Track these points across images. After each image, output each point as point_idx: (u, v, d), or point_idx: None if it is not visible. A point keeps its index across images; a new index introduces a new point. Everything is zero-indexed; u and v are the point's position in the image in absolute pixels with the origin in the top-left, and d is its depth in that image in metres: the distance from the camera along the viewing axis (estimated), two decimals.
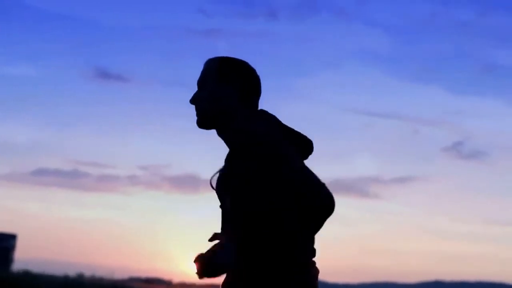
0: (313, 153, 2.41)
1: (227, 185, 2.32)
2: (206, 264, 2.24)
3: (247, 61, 2.47)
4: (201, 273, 2.26)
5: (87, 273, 23.81)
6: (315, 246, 2.33)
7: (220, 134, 2.41)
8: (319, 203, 2.15)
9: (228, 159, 2.38)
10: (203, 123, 2.42)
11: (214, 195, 2.43)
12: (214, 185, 2.41)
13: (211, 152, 2.47)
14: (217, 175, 2.41)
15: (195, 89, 2.46)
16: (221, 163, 2.44)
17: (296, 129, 2.40)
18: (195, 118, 2.43)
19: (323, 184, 2.19)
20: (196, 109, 2.42)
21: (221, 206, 2.39)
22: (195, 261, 2.27)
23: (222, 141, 2.44)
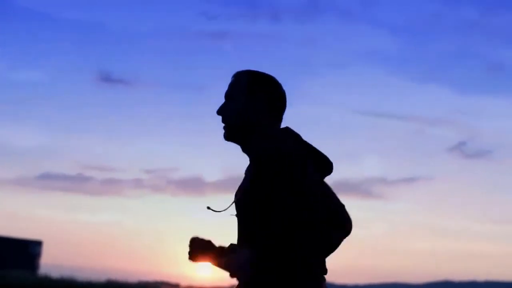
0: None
1: (248, 198, 2.33)
2: (201, 249, 2.33)
3: (253, 62, 2.42)
4: (193, 257, 2.35)
5: (94, 276, 23.78)
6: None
7: (244, 148, 2.44)
8: (338, 225, 2.21)
9: (249, 172, 2.39)
10: (230, 136, 2.44)
11: (219, 197, 2.36)
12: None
13: (215, 155, 2.41)
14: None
15: (200, 91, 2.37)
16: (225, 166, 2.43)
17: (304, 132, 2.42)
18: (222, 130, 2.45)
19: (343, 206, 2.25)
20: (224, 121, 2.45)
21: (237, 215, 2.41)
22: (190, 244, 2.36)
23: (227, 144, 2.46)
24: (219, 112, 2.46)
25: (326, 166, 2.38)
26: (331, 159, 2.39)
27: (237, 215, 2.40)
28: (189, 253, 2.37)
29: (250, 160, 2.44)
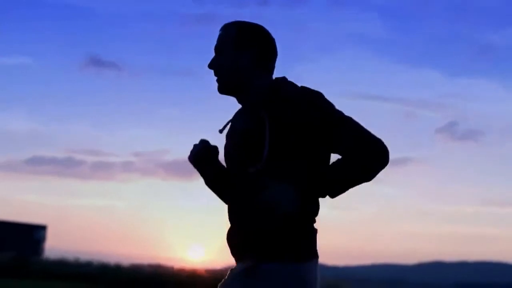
0: None
1: (284, 136, 2.30)
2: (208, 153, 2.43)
3: None
4: (195, 159, 2.46)
5: (84, 260, 23.72)
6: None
7: (241, 99, 2.44)
8: (377, 156, 2.26)
9: (254, 112, 2.37)
10: (223, 88, 2.43)
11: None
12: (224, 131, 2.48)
13: (205, 137, 2.49)
14: (230, 125, 2.48)
15: (189, 76, 2.54)
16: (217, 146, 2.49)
17: None
18: (215, 84, 2.44)
19: (375, 137, 2.29)
20: (216, 74, 2.44)
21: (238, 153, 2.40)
22: (200, 146, 2.46)
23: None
24: (210, 65, 2.45)
25: None
26: None
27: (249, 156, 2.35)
28: (195, 152, 2.46)
29: (250, 107, 2.41)
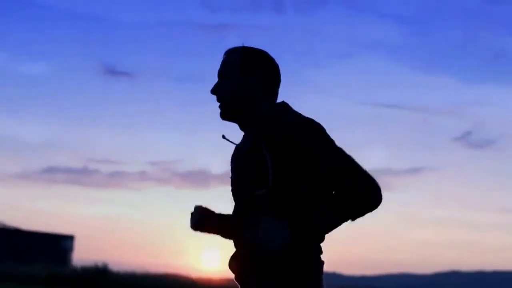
0: None
1: (274, 168, 2.28)
2: (208, 217, 2.34)
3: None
4: (198, 226, 2.35)
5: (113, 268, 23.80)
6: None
7: (243, 126, 2.41)
8: (369, 198, 2.24)
9: (251, 142, 2.36)
10: (226, 114, 2.40)
11: (224, 189, 2.45)
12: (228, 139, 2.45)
13: (221, 147, 2.52)
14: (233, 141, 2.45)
15: (204, 84, 2.46)
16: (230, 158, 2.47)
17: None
18: (218, 110, 2.42)
19: (372, 177, 2.26)
20: (219, 100, 2.41)
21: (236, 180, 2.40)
22: (195, 213, 2.35)
23: (235, 134, 2.43)
24: (213, 91, 2.41)
25: None
26: None
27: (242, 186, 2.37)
28: (195, 222, 2.35)
29: (250, 134, 2.39)
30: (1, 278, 20.79)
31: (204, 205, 2.36)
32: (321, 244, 2.32)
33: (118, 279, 21.91)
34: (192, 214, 2.38)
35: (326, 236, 2.31)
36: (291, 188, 2.25)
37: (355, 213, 2.25)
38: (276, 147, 2.26)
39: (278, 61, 2.45)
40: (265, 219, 2.22)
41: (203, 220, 2.35)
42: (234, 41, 2.47)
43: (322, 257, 2.31)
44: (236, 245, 2.37)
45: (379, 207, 2.27)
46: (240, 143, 2.43)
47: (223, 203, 2.48)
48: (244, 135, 2.44)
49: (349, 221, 2.26)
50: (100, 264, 22.36)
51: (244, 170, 2.35)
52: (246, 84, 2.37)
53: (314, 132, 2.26)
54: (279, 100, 2.42)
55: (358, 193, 2.23)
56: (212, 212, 2.37)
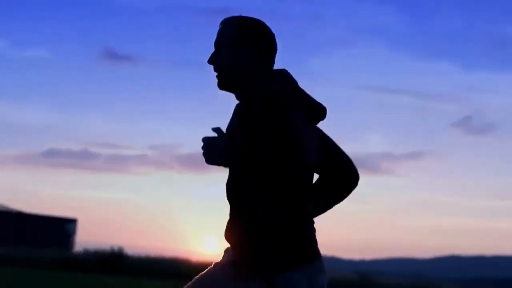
0: (326, 130, 2.47)
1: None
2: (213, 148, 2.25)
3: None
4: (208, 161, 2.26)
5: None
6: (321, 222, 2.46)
7: (239, 96, 2.42)
8: (348, 179, 2.45)
9: (236, 116, 2.36)
10: (223, 84, 2.42)
11: (225, 172, 2.42)
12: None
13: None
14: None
15: (204, 69, 2.46)
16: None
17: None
18: (215, 79, 2.43)
19: (350, 160, 2.45)
20: (215, 70, 2.43)
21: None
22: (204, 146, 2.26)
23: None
24: (209, 61, 2.43)
25: (318, 111, 2.39)
26: (337, 134, 2.42)
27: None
28: (205, 157, 2.28)
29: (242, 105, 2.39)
30: (5, 262, 20.80)
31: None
32: (317, 230, 2.36)
33: (132, 263, 21.80)
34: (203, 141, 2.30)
35: (326, 220, 2.43)
36: (276, 163, 2.21)
37: (346, 192, 2.50)
38: (267, 119, 2.23)
39: (279, 47, 2.45)
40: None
41: (209, 154, 2.26)
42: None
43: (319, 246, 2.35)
44: (231, 214, 2.38)
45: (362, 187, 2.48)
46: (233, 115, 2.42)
47: (224, 187, 2.44)
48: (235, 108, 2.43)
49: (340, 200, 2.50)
50: (116, 248, 22.16)
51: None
52: (242, 53, 2.38)
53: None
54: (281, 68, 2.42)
55: (349, 174, 2.46)
56: (220, 138, 2.27)
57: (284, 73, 2.40)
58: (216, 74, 2.43)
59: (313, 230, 2.36)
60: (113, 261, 21.33)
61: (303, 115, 2.30)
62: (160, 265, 21.90)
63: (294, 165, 2.22)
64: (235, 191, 2.34)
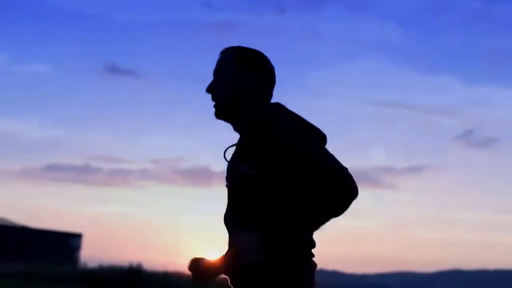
0: (327, 143, 2.39)
1: (244, 176, 2.29)
2: (201, 270, 2.31)
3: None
4: (197, 278, 2.32)
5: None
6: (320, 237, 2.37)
7: (236, 126, 2.42)
8: (345, 190, 2.20)
9: (241, 147, 2.37)
10: (221, 113, 2.41)
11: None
12: (227, 158, 2.43)
13: (223, 144, 2.51)
14: (230, 149, 2.44)
15: (205, 83, 2.47)
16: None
17: (310, 121, 2.37)
18: (212, 109, 2.43)
19: (346, 169, 2.22)
20: (213, 99, 2.42)
21: (231, 192, 2.39)
22: (190, 267, 2.33)
23: (234, 134, 2.45)
24: (208, 89, 2.43)
25: (323, 137, 2.35)
26: (339, 149, 2.36)
27: (232, 193, 2.37)
28: (193, 276, 2.34)
29: (240, 136, 2.40)
30: (8, 276, 20.77)
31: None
32: (320, 243, 2.33)
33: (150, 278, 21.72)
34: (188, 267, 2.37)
35: (328, 234, 2.33)
36: (270, 198, 2.23)
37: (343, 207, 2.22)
38: (258, 149, 2.25)
39: (279, 61, 2.44)
40: (239, 235, 2.25)
41: (196, 276, 2.33)
42: (236, 42, 2.47)
43: (316, 260, 2.32)
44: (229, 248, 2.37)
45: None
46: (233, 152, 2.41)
47: (225, 201, 2.43)
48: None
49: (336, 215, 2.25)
50: (134, 264, 21.87)
51: (234, 178, 2.34)
52: (240, 83, 2.37)
53: (308, 139, 2.23)
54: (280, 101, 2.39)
55: (345, 190, 2.19)
56: (202, 262, 2.32)
57: (281, 105, 2.38)
58: (214, 103, 2.42)
59: (314, 274, 2.32)
60: (131, 278, 21.10)
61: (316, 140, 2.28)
62: (177, 282, 21.93)
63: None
64: (238, 224, 2.31)
